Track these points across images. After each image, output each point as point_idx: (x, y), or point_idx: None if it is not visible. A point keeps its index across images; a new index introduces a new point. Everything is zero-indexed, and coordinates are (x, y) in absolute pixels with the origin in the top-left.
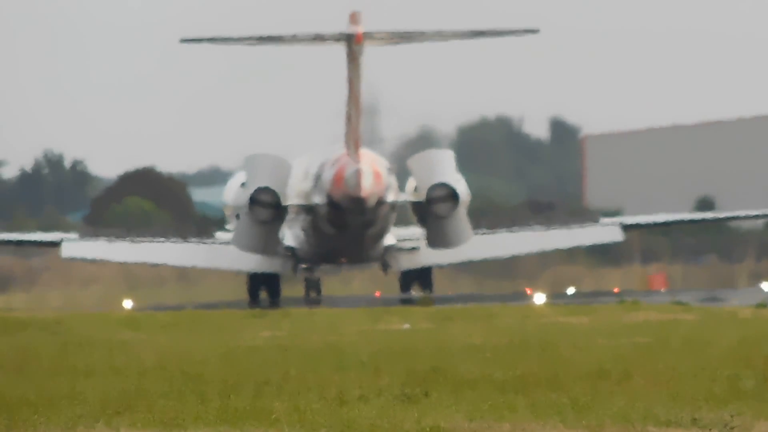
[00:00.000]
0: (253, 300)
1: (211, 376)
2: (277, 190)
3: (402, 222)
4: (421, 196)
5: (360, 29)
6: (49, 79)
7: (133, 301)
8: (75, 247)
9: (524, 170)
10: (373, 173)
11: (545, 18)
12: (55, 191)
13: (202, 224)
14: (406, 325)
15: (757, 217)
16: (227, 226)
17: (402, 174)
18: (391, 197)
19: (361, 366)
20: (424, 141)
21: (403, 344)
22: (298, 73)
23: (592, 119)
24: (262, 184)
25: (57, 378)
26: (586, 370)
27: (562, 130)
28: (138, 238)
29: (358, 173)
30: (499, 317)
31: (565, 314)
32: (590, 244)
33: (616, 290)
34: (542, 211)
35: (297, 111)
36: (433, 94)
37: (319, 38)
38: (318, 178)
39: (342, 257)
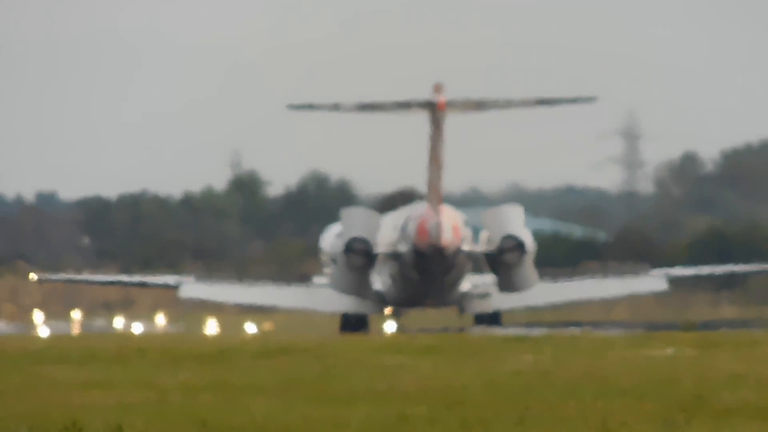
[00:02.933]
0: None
1: (473, 402)
2: (369, 239)
3: (476, 270)
4: (493, 247)
5: (443, 98)
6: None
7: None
8: (192, 288)
9: None
10: (452, 226)
11: None
12: (319, 210)
13: None
14: (670, 351)
15: None
16: (324, 271)
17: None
18: (466, 247)
19: (623, 393)
20: (687, 164)
21: (666, 371)
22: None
23: None
24: (356, 234)
25: (319, 403)
26: None
27: None
28: (247, 282)
29: (438, 226)
30: (763, 345)
31: None
32: (638, 293)
33: None
34: None
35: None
36: (697, 119)
37: (406, 105)
38: (404, 229)
39: (424, 300)
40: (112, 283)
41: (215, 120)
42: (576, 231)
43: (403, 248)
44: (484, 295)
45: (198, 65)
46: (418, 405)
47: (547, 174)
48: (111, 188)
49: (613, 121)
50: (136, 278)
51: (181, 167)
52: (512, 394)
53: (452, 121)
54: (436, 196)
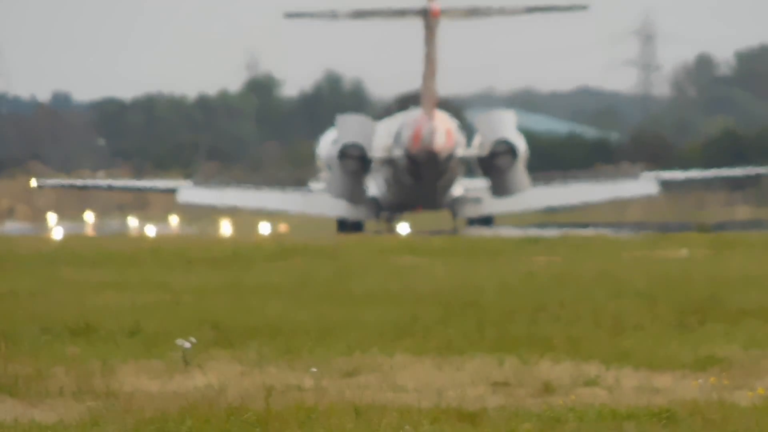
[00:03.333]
0: None
1: (487, 302)
2: (363, 145)
3: (470, 175)
4: (485, 151)
5: (436, 5)
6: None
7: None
8: (190, 193)
9: None
10: (445, 131)
11: None
12: (334, 111)
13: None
14: (684, 252)
15: None
16: (319, 177)
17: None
18: (459, 152)
19: (637, 294)
20: (702, 66)
21: (679, 272)
22: None
23: None
24: (351, 140)
25: (333, 304)
26: None
27: None
28: (244, 186)
29: (432, 131)
30: None
31: None
32: (628, 197)
33: None
34: None
35: None
36: (712, 21)
37: (401, 13)
38: (398, 135)
39: (418, 204)
40: (112, 188)
41: (231, 22)
42: (590, 133)
43: (398, 153)
44: (477, 200)
45: None
46: (432, 305)
47: (563, 76)
48: (126, 90)
49: (629, 23)
50: (136, 183)
51: (196, 69)
52: (526, 295)
53: (465, 25)
54: (430, 102)
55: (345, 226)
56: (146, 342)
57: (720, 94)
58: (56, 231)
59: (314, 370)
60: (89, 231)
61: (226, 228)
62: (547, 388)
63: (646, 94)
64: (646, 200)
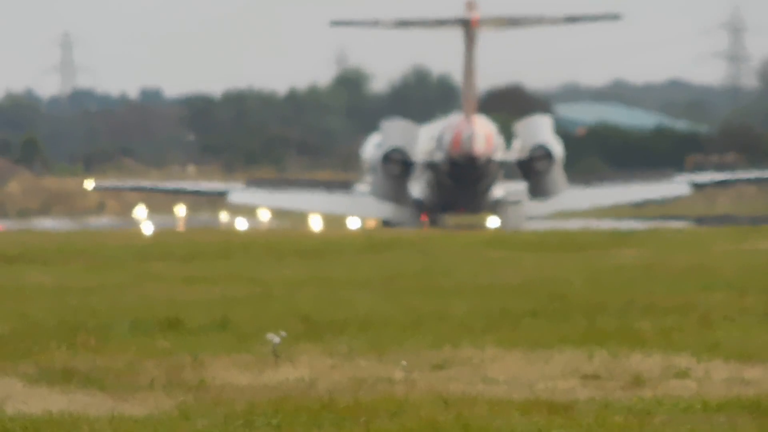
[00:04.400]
0: None
1: (576, 296)
2: (406, 149)
3: (511, 178)
4: (524, 155)
5: (476, 15)
6: None
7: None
8: (241, 195)
9: None
10: (484, 136)
11: None
12: (422, 104)
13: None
14: None
15: None
16: (365, 179)
17: None
18: (498, 156)
19: (726, 286)
20: None
21: None
22: None
23: None
24: (395, 144)
25: (423, 297)
26: None
27: None
28: (292, 189)
29: (471, 136)
30: None
31: None
32: (660, 198)
33: None
34: None
35: None
36: None
37: (441, 23)
38: (440, 140)
39: (460, 206)
40: (164, 190)
41: (319, 17)
42: (681, 125)
43: (439, 157)
44: (517, 202)
45: None
46: (520, 298)
47: (652, 69)
48: (215, 85)
49: (719, 15)
50: (183, 185)
51: (286, 64)
52: (615, 288)
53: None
54: (470, 107)
55: (388, 227)
56: (236, 336)
57: None
58: (146, 225)
59: (404, 363)
60: (180, 225)
61: (315, 223)
62: (637, 381)
63: (735, 86)
64: (737, 193)
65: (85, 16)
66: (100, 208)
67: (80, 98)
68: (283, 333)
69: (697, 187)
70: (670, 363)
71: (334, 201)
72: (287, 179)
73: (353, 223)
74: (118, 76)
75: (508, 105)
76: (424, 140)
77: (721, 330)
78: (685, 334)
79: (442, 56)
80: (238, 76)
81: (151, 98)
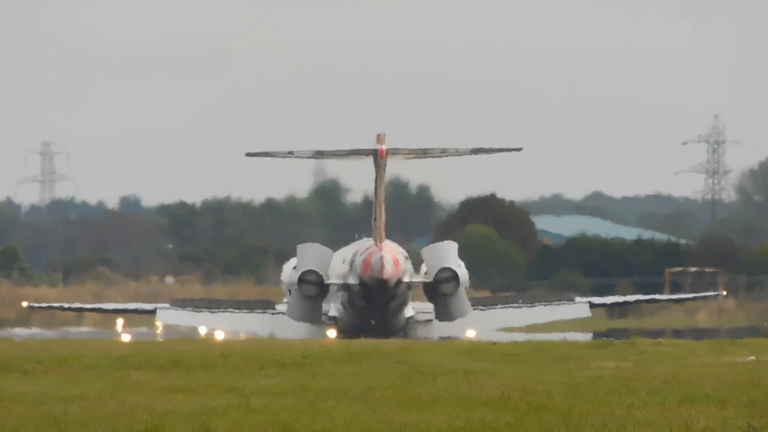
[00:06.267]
0: None
1: (555, 407)
2: (320, 271)
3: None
4: (431, 278)
5: (384, 147)
6: None
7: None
8: (167, 314)
9: None
10: (392, 260)
11: None
12: (401, 217)
13: (543, 254)
14: (751, 358)
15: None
16: (284, 300)
17: None
18: (407, 278)
19: (706, 398)
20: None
21: (748, 377)
22: None
23: None
24: (309, 267)
25: (402, 408)
26: None
27: None
28: (216, 309)
29: (381, 260)
30: None
31: None
32: (561, 319)
33: None
34: None
35: None
36: None
37: (354, 153)
38: (352, 263)
39: (371, 323)
40: (90, 310)
41: (299, 129)
42: (660, 238)
43: (352, 280)
44: (427, 321)
45: (291, 69)
46: (500, 410)
47: (633, 181)
48: (194, 194)
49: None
50: (114, 305)
51: (264, 174)
52: (595, 400)
53: (533, 127)
54: (379, 233)
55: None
56: None
57: None
58: (124, 335)
59: None
60: (159, 334)
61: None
62: None
63: (714, 199)
64: (716, 306)
65: (65, 126)
66: (78, 318)
67: (60, 207)
68: None
69: (595, 308)
70: None
71: (255, 320)
72: (210, 299)
73: (332, 333)
74: (97, 185)
75: (484, 216)
76: (338, 263)
77: None
78: None
79: (419, 167)
80: (216, 185)
81: (130, 207)
